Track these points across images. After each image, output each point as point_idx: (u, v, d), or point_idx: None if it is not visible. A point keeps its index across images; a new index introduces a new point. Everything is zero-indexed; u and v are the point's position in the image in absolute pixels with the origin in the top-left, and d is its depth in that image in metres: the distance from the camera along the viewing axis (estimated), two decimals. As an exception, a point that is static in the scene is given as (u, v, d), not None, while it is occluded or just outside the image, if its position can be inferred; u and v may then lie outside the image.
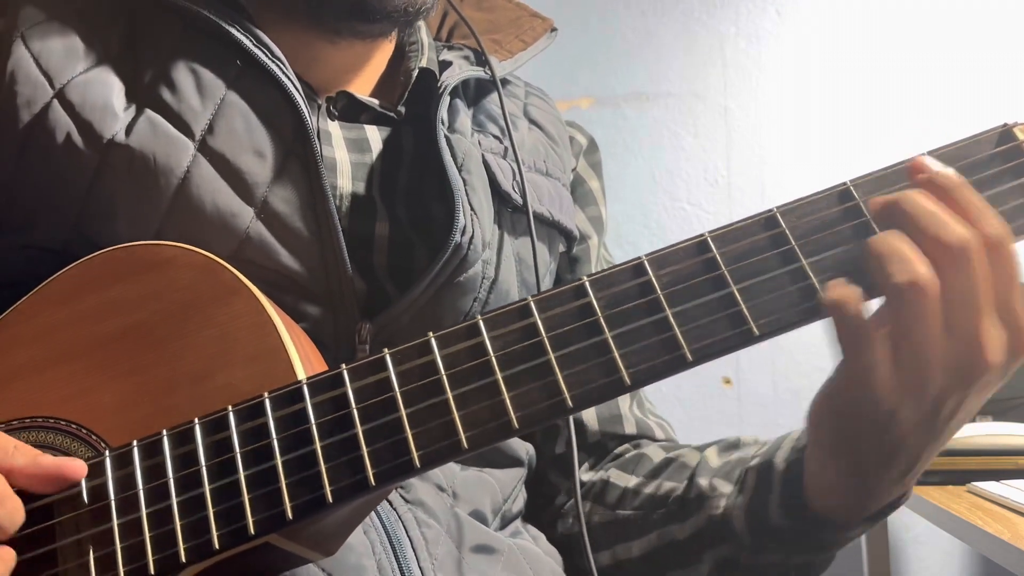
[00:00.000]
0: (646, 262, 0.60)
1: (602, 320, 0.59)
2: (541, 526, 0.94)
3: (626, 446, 0.97)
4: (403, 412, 0.58)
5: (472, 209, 0.81)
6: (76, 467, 0.60)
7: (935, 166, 0.60)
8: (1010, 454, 1.61)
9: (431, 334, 0.60)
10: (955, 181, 0.59)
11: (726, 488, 0.82)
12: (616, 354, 0.58)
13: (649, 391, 1.04)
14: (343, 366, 0.60)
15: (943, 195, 0.59)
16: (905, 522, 2.19)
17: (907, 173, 0.61)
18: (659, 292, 0.59)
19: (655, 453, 0.94)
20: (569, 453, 0.95)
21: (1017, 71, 2.23)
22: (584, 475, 0.95)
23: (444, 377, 0.59)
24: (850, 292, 0.58)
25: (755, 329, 0.58)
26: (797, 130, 2.35)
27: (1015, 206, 0.60)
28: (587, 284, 0.60)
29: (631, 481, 0.91)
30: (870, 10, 2.37)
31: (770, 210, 0.61)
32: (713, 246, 0.60)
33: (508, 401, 0.58)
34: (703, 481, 0.84)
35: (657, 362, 0.58)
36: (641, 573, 0.88)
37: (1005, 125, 0.62)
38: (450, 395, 0.58)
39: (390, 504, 0.77)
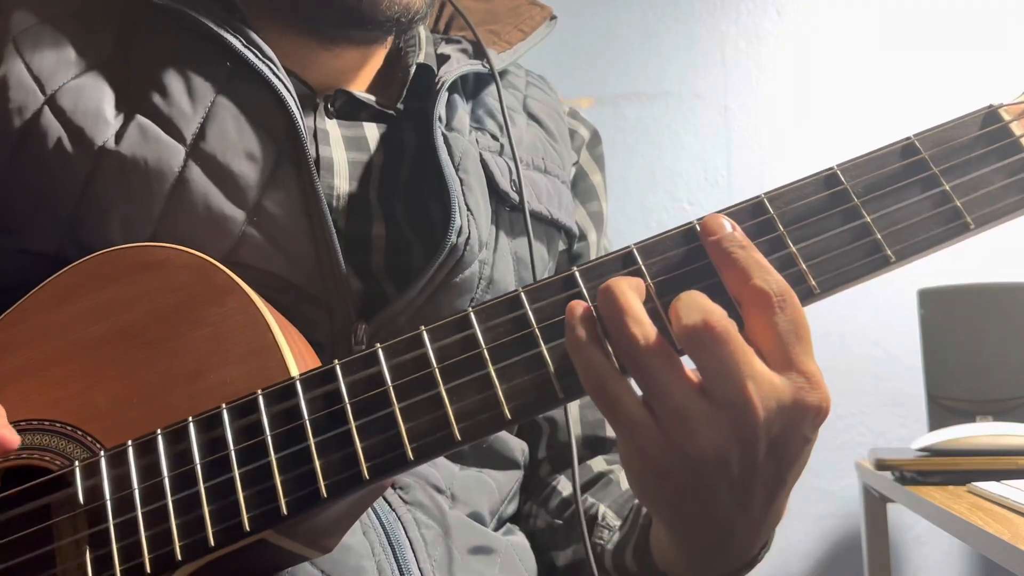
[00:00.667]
0: (635, 251, 0.60)
1: (593, 310, 0.58)
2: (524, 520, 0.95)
3: (586, 452, 0.96)
4: (396, 406, 0.58)
5: (468, 209, 0.81)
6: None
7: (726, 227, 0.58)
8: (1010, 454, 1.61)
9: (423, 327, 0.60)
10: (737, 243, 0.57)
11: (614, 522, 0.82)
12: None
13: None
14: (336, 361, 0.60)
15: (721, 258, 0.57)
16: (906, 522, 2.19)
17: (700, 234, 0.59)
18: (649, 281, 0.59)
19: (597, 464, 0.93)
20: (551, 456, 0.95)
21: (1016, 69, 2.23)
22: (548, 477, 0.95)
23: (436, 370, 0.59)
24: (592, 353, 0.56)
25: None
26: (797, 130, 2.35)
27: (1000, 187, 0.60)
28: (577, 274, 0.60)
29: (568, 491, 0.91)
30: (870, 10, 2.37)
31: (757, 196, 0.60)
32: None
33: (500, 393, 0.58)
34: (602, 508, 0.85)
35: None
36: None
37: (990, 106, 0.62)
38: (442, 388, 0.58)
39: (389, 505, 0.77)
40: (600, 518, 0.83)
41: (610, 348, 0.56)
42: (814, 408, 0.55)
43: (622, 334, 0.55)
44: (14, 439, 0.60)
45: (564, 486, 0.92)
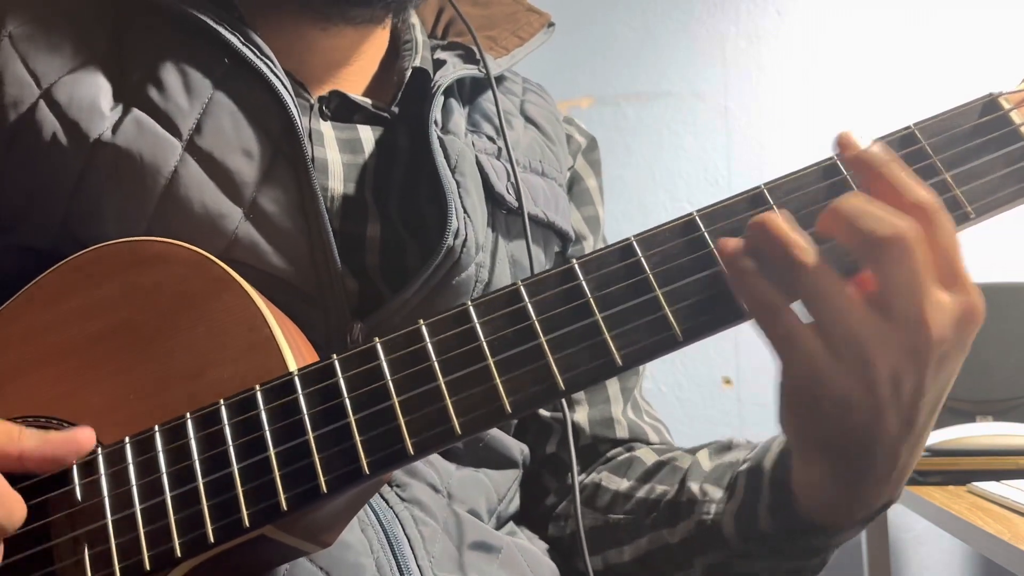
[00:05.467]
0: (635, 242, 0.60)
1: (592, 302, 0.58)
2: (532, 528, 0.94)
3: (618, 449, 0.96)
4: (395, 400, 0.58)
5: (465, 211, 0.80)
6: (85, 435, 0.60)
7: (861, 143, 0.59)
8: (1010, 454, 1.62)
9: (421, 321, 0.60)
10: (882, 158, 0.58)
11: (716, 494, 0.81)
12: (607, 335, 0.58)
13: (650, 391, 1.03)
14: (334, 356, 0.60)
15: (870, 173, 0.58)
16: (906, 522, 2.19)
17: (836, 147, 0.60)
18: (648, 272, 0.59)
19: (647, 456, 0.93)
20: (561, 454, 0.95)
21: (1016, 66, 2.23)
22: (582, 476, 0.95)
23: (435, 364, 0.59)
24: (760, 285, 0.57)
25: (744, 307, 0.58)
26: (797, 130, 2.35)
27: (1000, 176, 0.60)
28: (576, 266, 0.60)
29: (623, 484, 0.90)
30: (870, 10, 2.37)
31: (757, 187, 0.61)
32: (701, 224, 0.60)
33: (500, 386, 0.58)
34: (694, 486, 0.83)
35: (648, 342, 0.58)
36: None
37: (991, 95, 0.62)
38: (442, 382, 0.58)
39: (386, 503, 0.76)
40: (700, 495, 0.81)
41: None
42: (977, 319, 0.57)
43: (791, 262, 0.56)
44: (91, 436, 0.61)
45: (611, 482, 0.91)
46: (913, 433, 0.60)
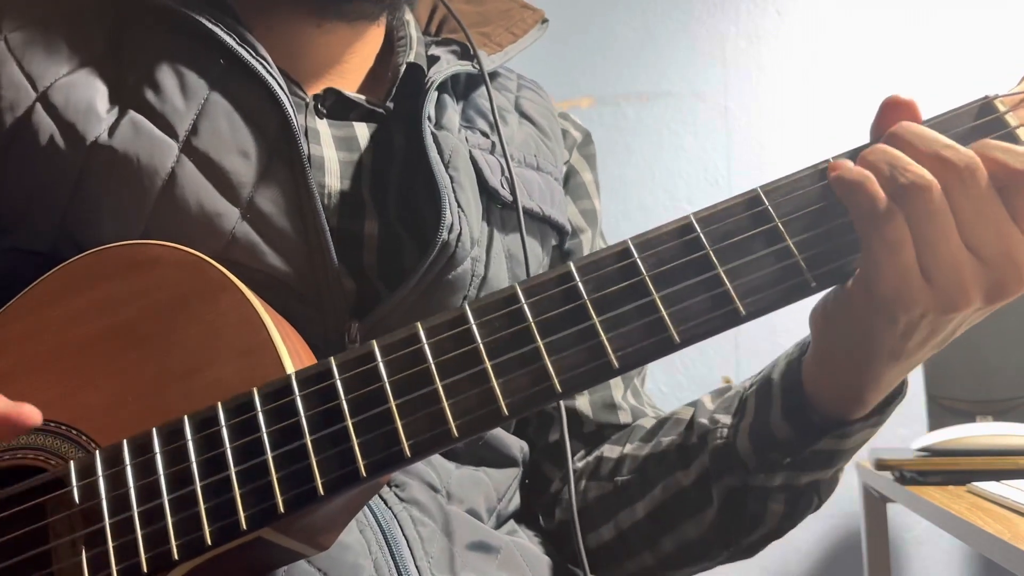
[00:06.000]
0: (631, 245, 0.60)
1: (589, 304, 0.59)
2: (532, 520, 0.94)
3: (621, 432, 0.96)
4: (392, 402, 0.58)
5: (459, 206, 0.80)
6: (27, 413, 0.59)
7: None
8: (1010, 454, 1.61)
9: (419, 324, 0.60)
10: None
11: (727, 419, 0.82)
12: (604, 338, 0.58)
13: (650, 392, 1.03)
14: (331, 359, 0.60)
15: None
16: (906, 522, 2.19)
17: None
18: (645, 274, 0.59)
19: (647, 422, 0.94)
20: (563, 441, 0.95)
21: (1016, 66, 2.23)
22: (579, 463, 0.95)
23: (432, 366, 0.59)
24: (859, 171, 0.59)
25: (741, 309, 0.58)
26: (797, 130, 2.35)
27: None
28: (573, 269, 0.60)
29: (626, 448, 0.91)
30: (870, 10, 2.37)
31: (753, 190, 0.61)
32: (698, 227, 0.60)
33: (497, 388, 0.58)
34: (703, 420, 0.84)
35: (645, 344, 0.58)
36: (647, 537, 0.88)
37: (986, 97, 0.62)
38: (438, 384, 0.58)
39: (385, 503, 0.76)
40: (711, 423, 0.84)
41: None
42: None
43: (913, 177, 0.59)
44: (36, 414, 0.60)
45: (613, 451, 0.92)
46: (952, 338, 0.66)
